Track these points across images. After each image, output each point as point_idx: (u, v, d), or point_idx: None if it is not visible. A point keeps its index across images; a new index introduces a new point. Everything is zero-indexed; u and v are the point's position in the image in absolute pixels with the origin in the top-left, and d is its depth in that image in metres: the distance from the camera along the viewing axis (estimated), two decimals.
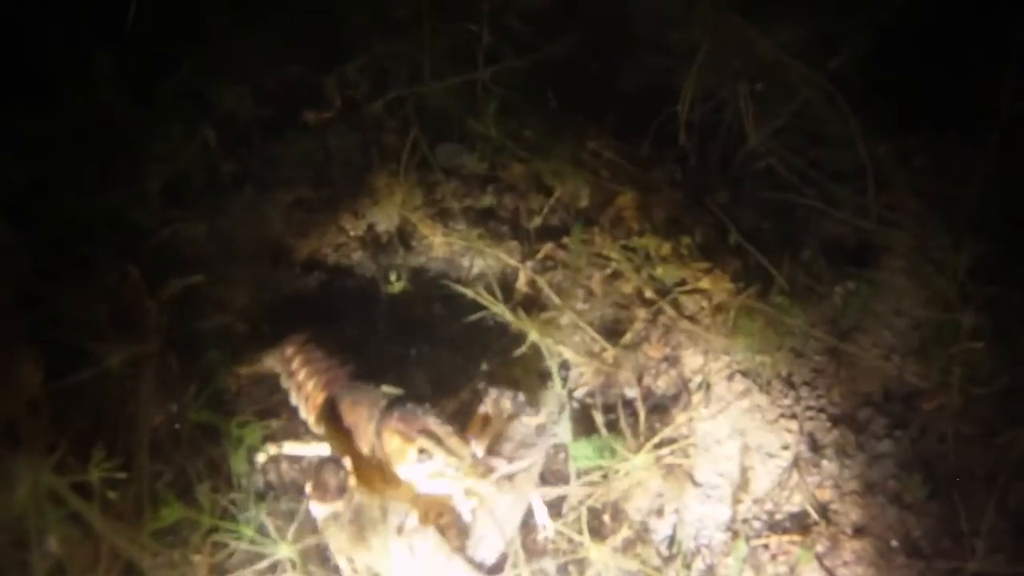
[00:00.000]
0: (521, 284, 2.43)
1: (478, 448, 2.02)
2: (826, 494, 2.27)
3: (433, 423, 2.02)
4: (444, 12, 2.65)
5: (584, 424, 2.25)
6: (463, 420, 2.07)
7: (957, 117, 2.73)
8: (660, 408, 2.31)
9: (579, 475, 2.18)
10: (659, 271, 2.45)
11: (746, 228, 2.58)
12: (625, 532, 2.14)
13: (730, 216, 2.59)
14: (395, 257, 2.59)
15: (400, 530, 1.93)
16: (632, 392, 2.30)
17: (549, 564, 2.04)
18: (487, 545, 1.94)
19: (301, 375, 2.28)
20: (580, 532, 2.05)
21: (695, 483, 2.25)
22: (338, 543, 1.97)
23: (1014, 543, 2.17)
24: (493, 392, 2.09)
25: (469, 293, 2.38)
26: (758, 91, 2.73)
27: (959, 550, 2.16)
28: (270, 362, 2.37)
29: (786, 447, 2.31)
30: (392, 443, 2.02)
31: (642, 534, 2.18)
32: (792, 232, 2.64)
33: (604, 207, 2.58)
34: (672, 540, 2.18)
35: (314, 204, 2.69)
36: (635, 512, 2.19)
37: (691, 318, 2.39)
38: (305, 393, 2.25)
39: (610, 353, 2.33)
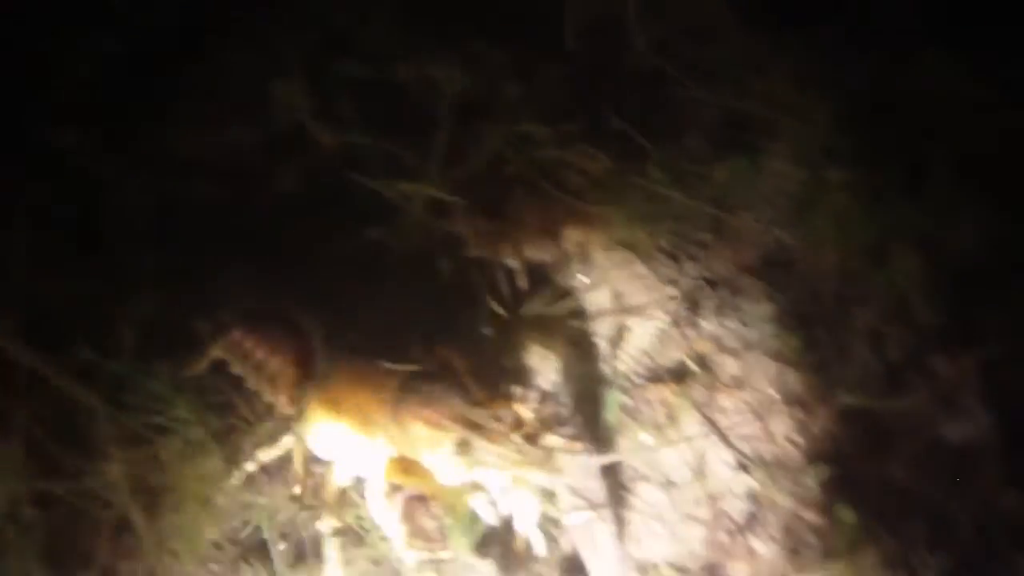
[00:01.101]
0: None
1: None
2: (705, 349, 2.35)
3: (464, 407, 1.89)
4: None
5: (465, 291, 2.34)
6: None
7: (832, 12, 2.87)
8: (541, 277, 2.40)
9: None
10: (540, 154, 2.55)
11: (631, 119, 2.68)
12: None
13: (616, 111, 2.69)
14: (291, 158, 2.67)
15: None
16: (514, 263, 2.39)
17: None
18: None
19: (260, 353, 2.13)
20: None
21: (575, 344, 2.33)
22: None
23: (884, 378, 2.27)
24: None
25: (359, 179, 2.47)
26: None
27: (833, 393, 2.24)
28: (217, 352, 2.22)
29: (666, 310, 2.40)
30: (418, 431, 1.88)
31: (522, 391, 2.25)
32: (676, 121, 2.75)
33: (490, 101, 2.68)
34: (547, 396, 2.26)
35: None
36: (516, 371, 2.27)
37: (572, 193, 2.49)
38: (270, 372, 2.10)
39: (492, 226, 2.42)
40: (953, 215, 2.36)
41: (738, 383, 2.30)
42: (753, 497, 2.15)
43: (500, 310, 2.29)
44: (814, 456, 2.18)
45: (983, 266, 2.39)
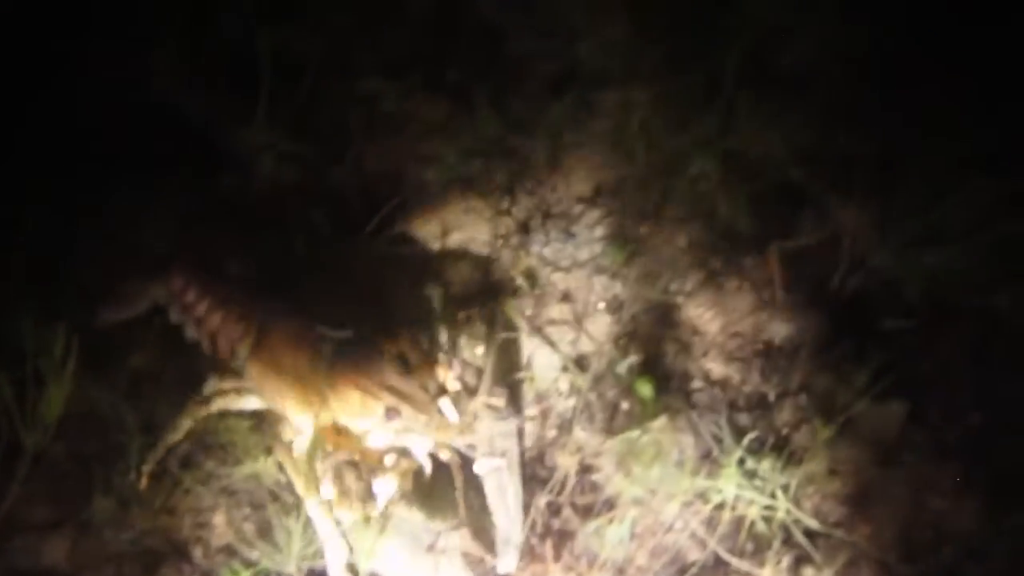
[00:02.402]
0: None
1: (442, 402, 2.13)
2: (536, 267, 2.64)
3: (394, 376, 2.06)
4: None
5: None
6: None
7: None
8: (382, 212, 2.68)
9: None
10: (383, 105, 2.85)
11: (471, 72, 2.98)
12: None
13: (454, 67, 2.99)
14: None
15: (431, 548, 2.06)
16: (355, 200, 2.68)
17: None
18: (510, 548, 2.14)
19: (202, 308, 2.25)
20: None
21: (412, 267, 2.62)
22: (363, 547, 2.03)
23: (698, 282, 2.55)
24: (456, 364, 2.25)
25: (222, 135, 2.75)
26: None
27: (650, 297, 2.52)
28: (154, 294, 2.36)
29: (499, 236, 2.69)
30: (351, 397, 2.05)
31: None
32: (514, 73, 3.05)
33: (338, 64, 2.98)
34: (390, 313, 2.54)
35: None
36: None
37: (410, 137, 2.79)
38: (211, 327, 2.24)
39: (334, 171, 2.71)
40: (756, 127, 2.65)
41: (566, 295, 2.58)
42: (576, 392, 2.41)
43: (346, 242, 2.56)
44: (631, 352, 2.45)
45: (788, 174, 2.68)
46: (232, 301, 2.24)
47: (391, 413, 2.04)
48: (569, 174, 2.83)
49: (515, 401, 2.36)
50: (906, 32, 2.77)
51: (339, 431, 2.11)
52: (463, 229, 2.66)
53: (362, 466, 2.09)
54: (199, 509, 2.30)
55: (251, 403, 2.25)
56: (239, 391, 2.23)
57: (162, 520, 2.22)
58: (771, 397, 2.45)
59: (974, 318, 2.47)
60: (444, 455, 2.14)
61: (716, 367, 2.49)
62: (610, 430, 2.33)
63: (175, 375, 2.44)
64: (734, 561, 2.19)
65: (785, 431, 2.38)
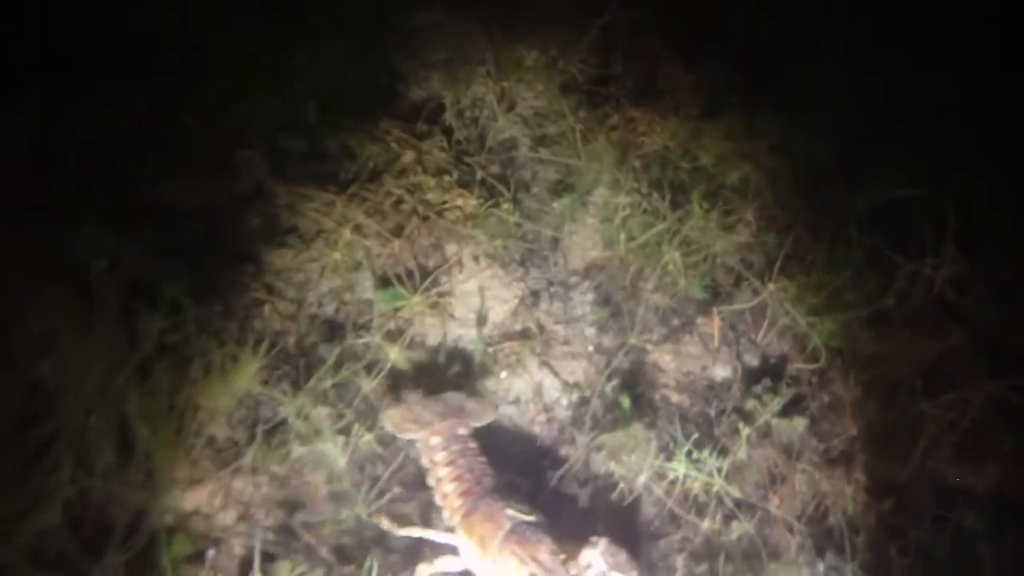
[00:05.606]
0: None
1: None
2: (544, 321, 4.19)
3: (545, 553, 2.90)
4: None
5: (383, 282, 4.16)
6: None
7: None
8: (431, 275, 4.23)
9: (381, 314, 4.07)
10: (429, 196, 4.42)
11: (493, 174, 4.59)
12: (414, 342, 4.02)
13: (481, 167, 4.60)
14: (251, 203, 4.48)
15: None
16: (412, 265, 4.23)
17: None
18: None
19: (442, 472, 3.20)
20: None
21: (453, 317, 4.17)
22: None
23: (664, 334, 4.14)
24: (603, 544, 3.01)
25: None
26: (506, 87, 4.82)
27: (627, 343, 4.10)
28: (412, 436, 3.40)
29: (517, 296, 4.25)
30: (509, 563, 2.89)
31: (421, 346, 4.06)
32: (525, 176, 4.67)
33: (392, 163, 4.56)
34: (439, 349, 4.08)
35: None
36: (417, 333, 4.09)
37: (451, 221, 4.37)
38: (443, 491, 3.15)
39: (395, 244, 4.27)
40: (709, 226, 4.27)
41: (565, 340, 4.13)
42: (574, 406, 3.95)
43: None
44: (615, 379, 3.99)
45: (730, 260, 4.30)
46: (463, 480, 3.18)
47: None
48: (567, 254, 4.39)
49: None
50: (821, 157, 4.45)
51: None
52: (491, 290, 4.20)
53: None
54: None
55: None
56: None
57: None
58: (712, 415, 4.00)
59: (857, 364, 4.07)
60: None
61: (673, 394, 4.03)
62: (602, 431, 3.84)
63: None
64: (684, 516, 3.70)
65: (719, 436, 3.91)
